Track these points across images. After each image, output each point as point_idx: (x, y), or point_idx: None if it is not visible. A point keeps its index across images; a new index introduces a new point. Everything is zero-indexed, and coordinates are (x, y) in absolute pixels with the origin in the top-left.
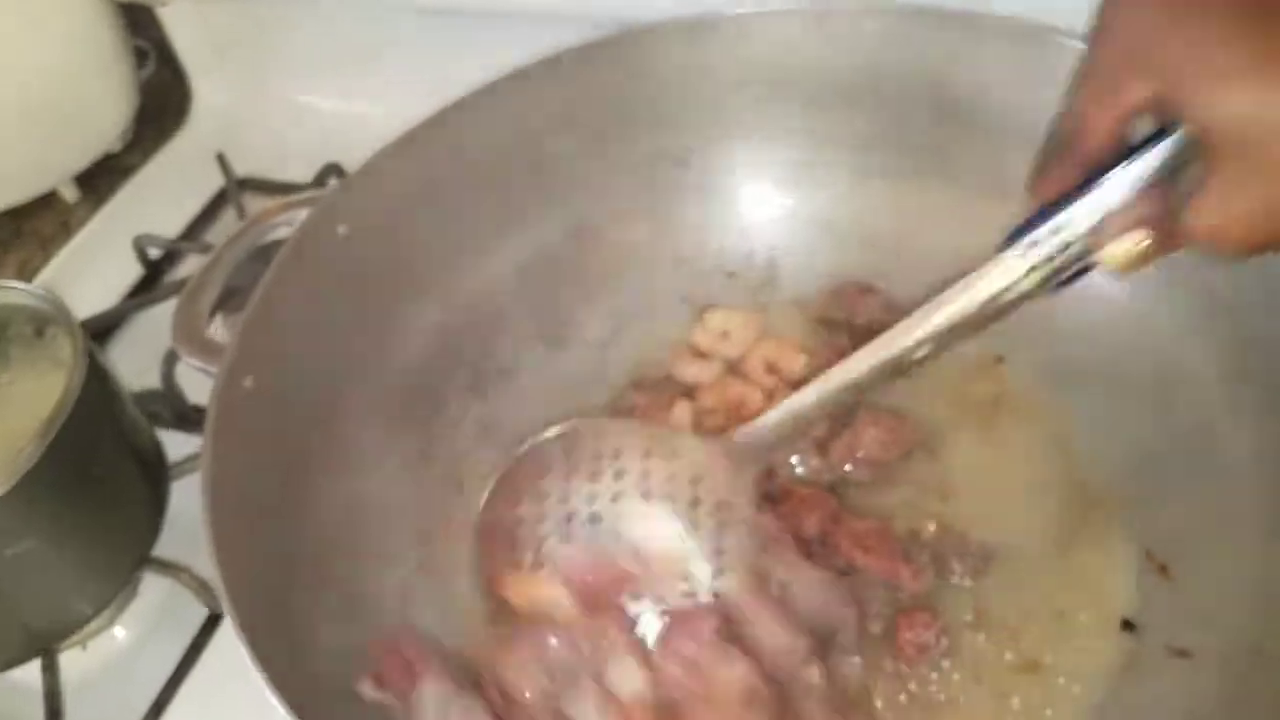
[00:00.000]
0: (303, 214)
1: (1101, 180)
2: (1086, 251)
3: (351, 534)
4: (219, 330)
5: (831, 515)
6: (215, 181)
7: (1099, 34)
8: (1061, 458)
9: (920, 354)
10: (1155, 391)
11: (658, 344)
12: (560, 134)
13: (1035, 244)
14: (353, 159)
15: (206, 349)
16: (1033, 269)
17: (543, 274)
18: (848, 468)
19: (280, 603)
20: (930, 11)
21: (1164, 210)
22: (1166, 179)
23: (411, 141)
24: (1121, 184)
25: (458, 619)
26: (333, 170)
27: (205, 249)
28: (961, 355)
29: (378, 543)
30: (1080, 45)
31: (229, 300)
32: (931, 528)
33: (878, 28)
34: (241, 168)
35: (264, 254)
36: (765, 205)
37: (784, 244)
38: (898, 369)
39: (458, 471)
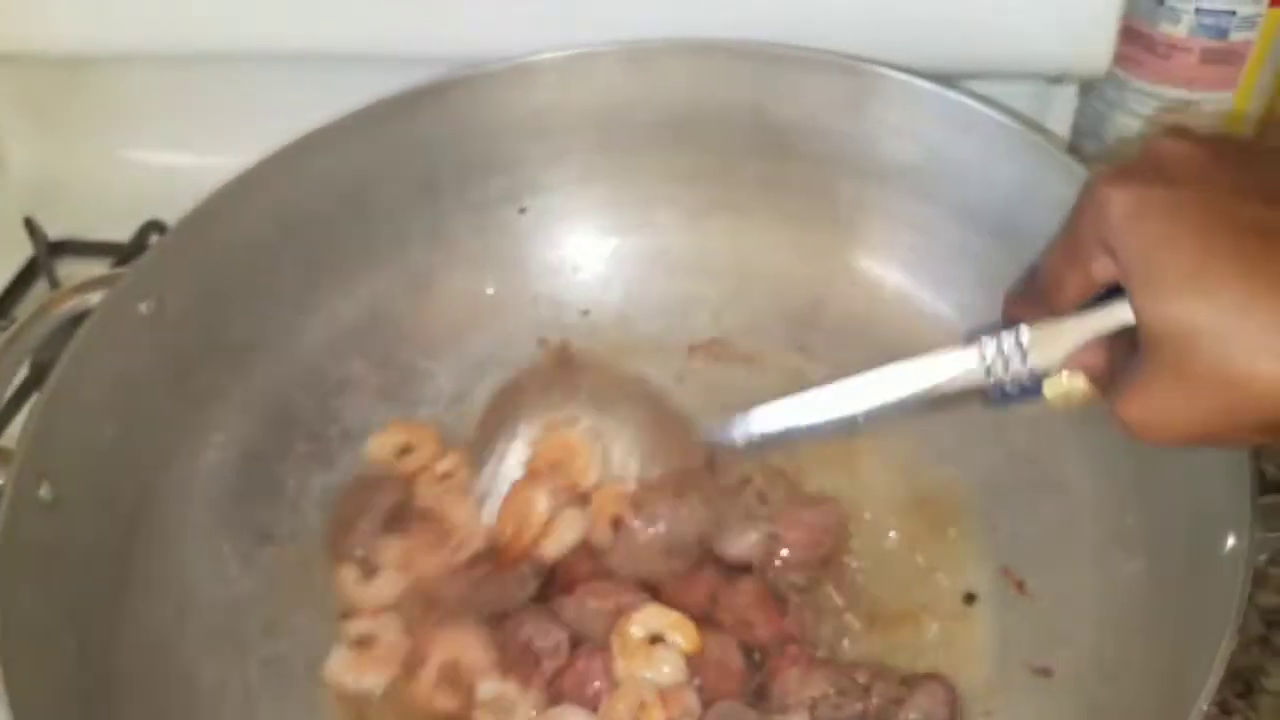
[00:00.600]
0: (100, 294)
1: (1061, 319)
2: (1033, 376)
3: (182, 644)
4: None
5: (709, 596)
6: (25, 249)
7: (1084, 206)
8: (913, 481)
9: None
10: (995, 412)
11: None
12: (387, 184)
13: (993, 349)
14: (175, 215)
15: None
16: (987, 369)
17: (381, 330)
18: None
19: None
20: (746, 48)
21: (1106, 365)
22: (1115, 338)
23: (218, 205)
24: (1076, 329)
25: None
26: (153, 228)
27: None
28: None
29: (215, 646)
30: (895, 75)
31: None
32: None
33: (697, 65)
34: (56, 230)
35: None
36: (606, 244)
37: (630, 280)
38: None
39: (304, 550)
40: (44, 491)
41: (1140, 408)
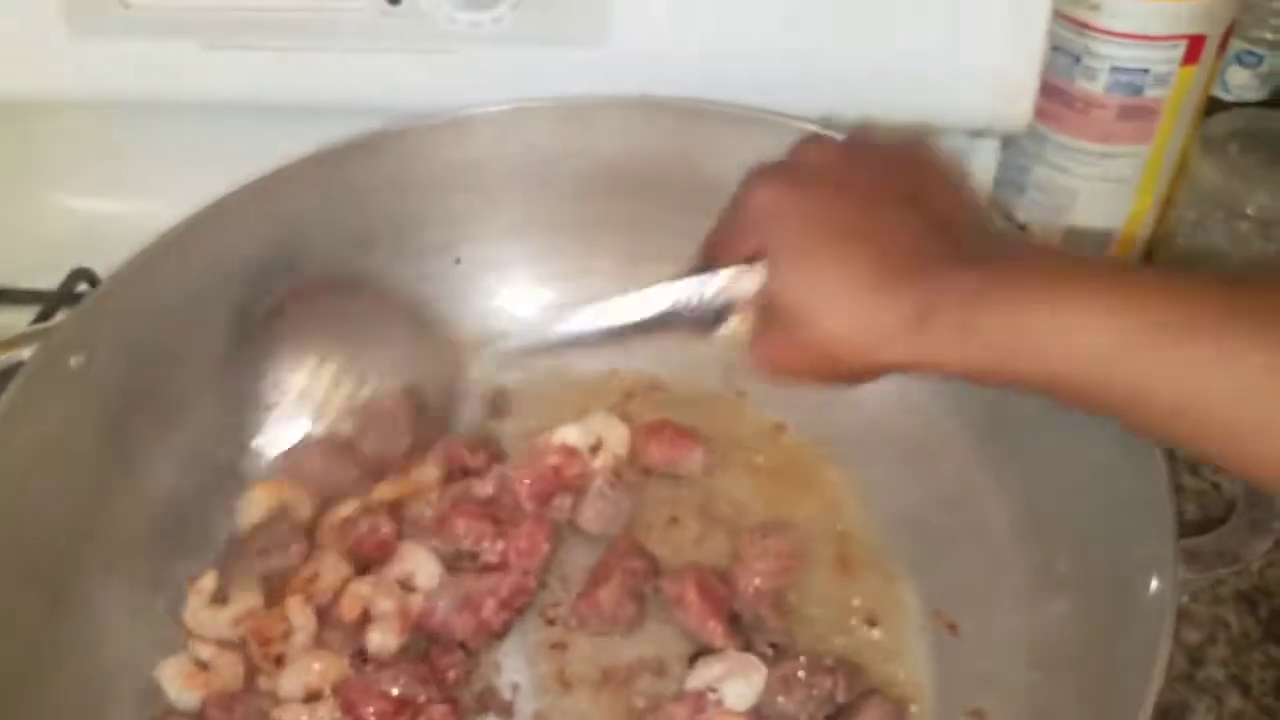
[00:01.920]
0: (29, 350)
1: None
2: (719, 312)
3: (112, 701)
4: None
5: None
6: None
7: (741, 195)
8: (842, 524)
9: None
10: (920, 456)
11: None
12: (322, 235)
13: (697, 284)
14: (104, 262)
15: None
16: (693, 297)
17: None
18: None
19: None
20: (675, 104)
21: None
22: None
23: (151, 257)
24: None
25: None
26: (81, 275)
27: None
28: (746, 421)
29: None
30: (821, 131)
31: None
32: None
33: (628, 121)
34: None
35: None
36: (541, 293)
37: None
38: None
39: None
40: None
41: (761, 351)
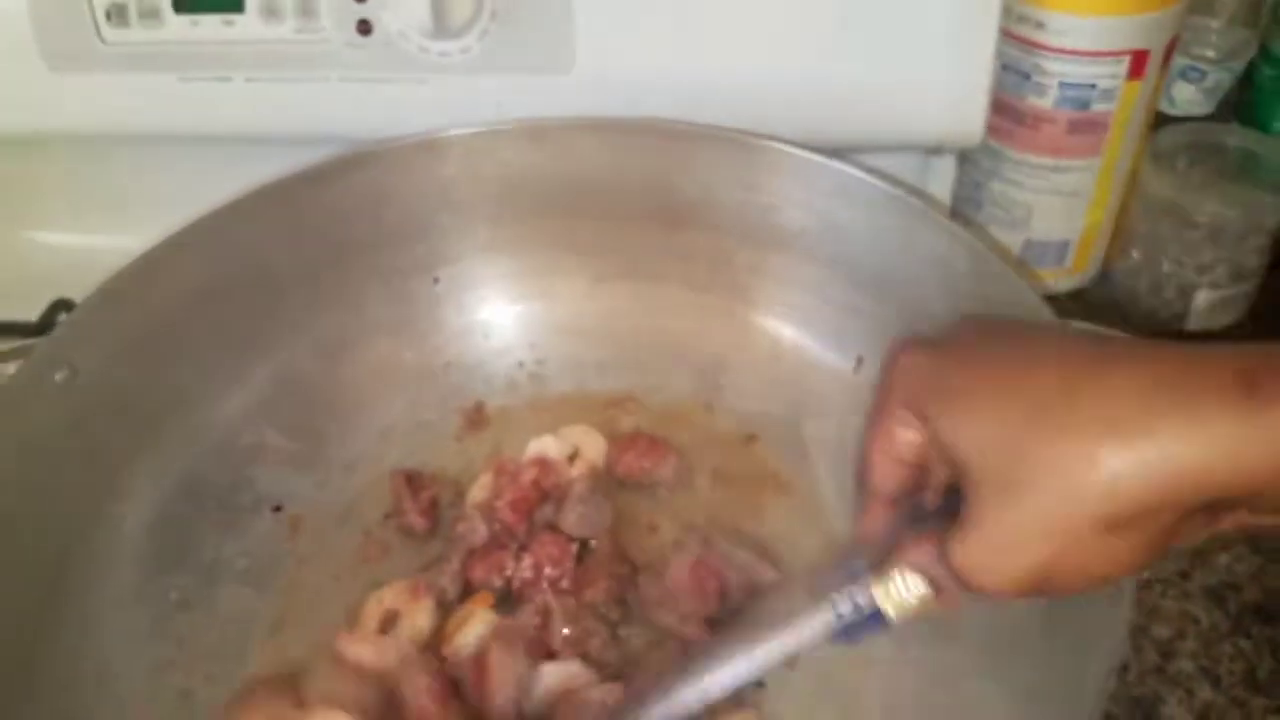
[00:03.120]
0: (13, 365)
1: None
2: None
3: (98, 714)
4: None
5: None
6: None
7: (880, 388)
8: (819, 531)
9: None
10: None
11: (431, 457)
12: (299, 256)
13: (838, 597)
14: (83, 294)
15: None
16: (839, 617)
17: (294, 398)
18: None
19: None
20: (646, 125)
21: (937, 559)
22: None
23: (130, 276)
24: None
25: None
26: (61, 306)
27: None
28: (719, 436)
29: (132, 714)
30: (787, 149)
31: None
32: None
33: (599, 142)
34: None
35: None
36: (515, 310)
37: (540, 345)
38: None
39: (219, 618)
40: None
41: (967, 547)
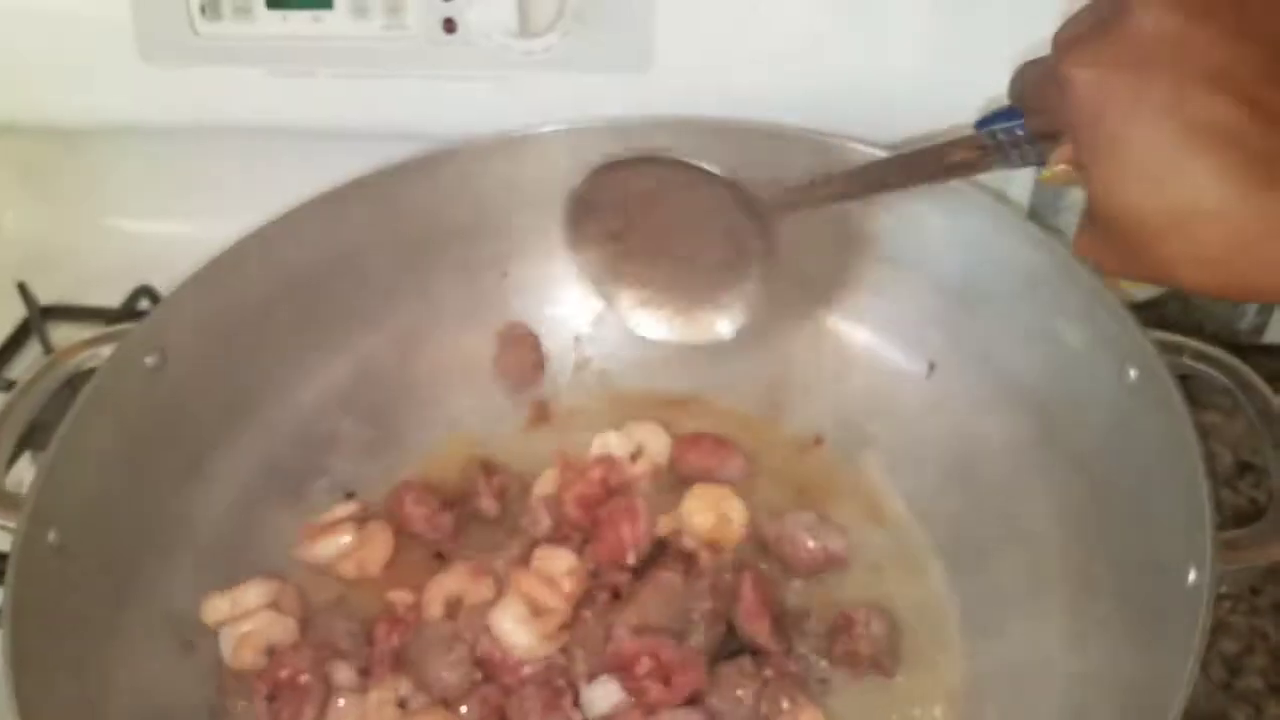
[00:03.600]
0: (109, 348)
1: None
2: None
3: (180, 680)
4: (28, 470)
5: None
6: (17, 312)
7: (1048, 77)
8: (891, 531)
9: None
10: (960, 463)
11: (497, 449)
12: (381, 249)
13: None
14: (165, 281)
15: (4, 501)
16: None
17: (371, 389)
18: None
19: None
20: (723, 125)
21: None
22: None
23: (221, 265)
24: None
25: None
26: (144, 293)
27: (7, 386)
28: (784, 438)
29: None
30: (864, 149)
31: (36, 437)
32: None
33: (677, 142)
34: (48, 296)
35: (74, 386)
36: (584, 309)
37: (607, 342)
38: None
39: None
40: (52, 537)
41: (1086, 249)
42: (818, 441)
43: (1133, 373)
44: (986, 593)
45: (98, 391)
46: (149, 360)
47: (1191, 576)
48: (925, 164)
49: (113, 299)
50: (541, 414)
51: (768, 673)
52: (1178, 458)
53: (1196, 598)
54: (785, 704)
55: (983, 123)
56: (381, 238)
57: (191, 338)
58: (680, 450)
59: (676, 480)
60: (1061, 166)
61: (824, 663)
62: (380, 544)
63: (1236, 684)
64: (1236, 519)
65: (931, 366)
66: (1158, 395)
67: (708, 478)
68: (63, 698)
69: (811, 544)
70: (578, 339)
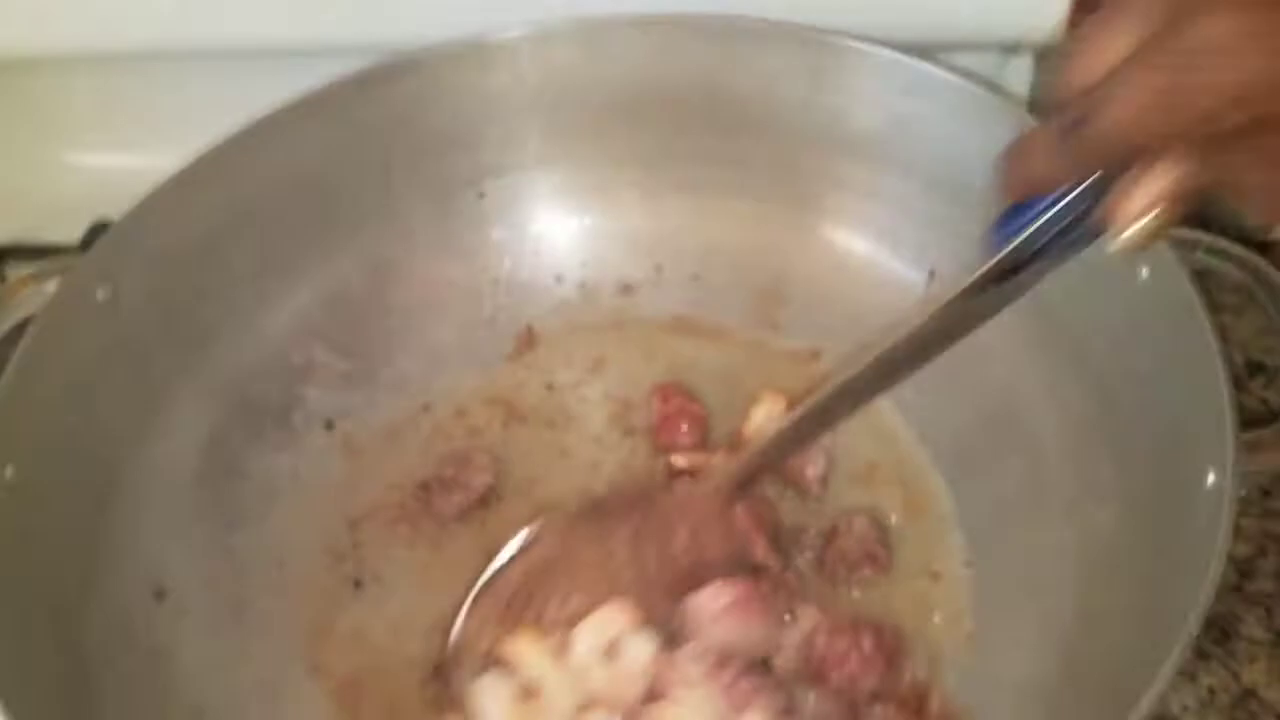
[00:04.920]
0: (55, 282)
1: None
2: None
3: (156, 625)
4: None
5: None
6: None
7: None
8: (888, 444)
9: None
10: (964, 370)
11: (481, 378)
12: (341, 169)
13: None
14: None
15: None
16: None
17: (342, 316)
18: None
19: (75, 700)
20: (702, 21)
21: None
22: None
23: (171, 192)
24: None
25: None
26: (103, 228)
27: None
28: (779, 351)
29: (191, 626)
30: (854, 44)
31: None
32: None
33: (653, 41)
34: (3, 236)
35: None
36: (567, 225)
37: (593, 263)
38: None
39: (269, 538)
40: (9, 474)
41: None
42: (815, 356)
43: (1144, 271)
44: (987, 501)
45: (46, 327)
46: (100, 294)
47: (1210, 479)
48: (951, 326)
49: (70, 235)
50: (526, 341)
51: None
52: (1195, 356)
53: (1217, 500)
54: (785, 617)
55: (1004, 227)
56: (338, 158)
57: (144, 269)
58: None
59: None
60: (1143, 222)
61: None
62: None
63: (1247, 587)
64: (1249, 421)
65: (932, 274)
66: (1172, 293)
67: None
68: (34, 643)
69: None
70: (559, 260)
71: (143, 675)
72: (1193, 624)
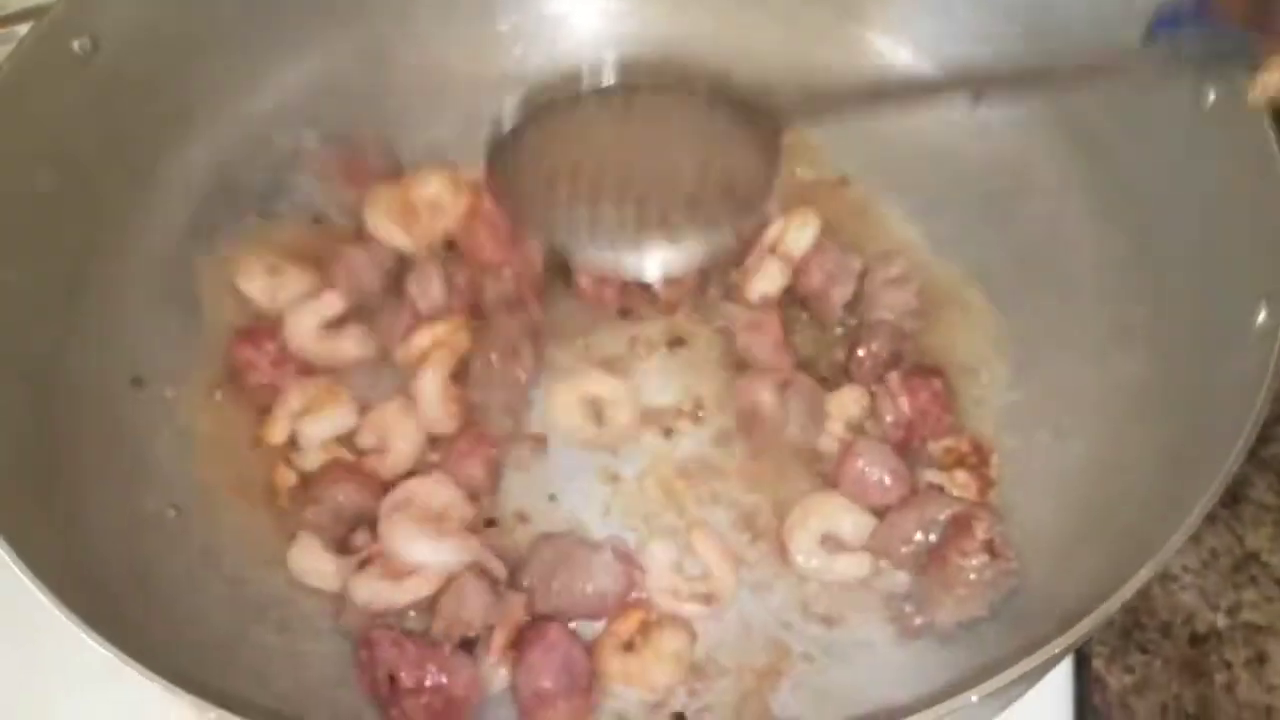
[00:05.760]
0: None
1: None
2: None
3: (135, 412)
4: None
5: None
6: None
7: None
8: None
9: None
10: (1000, 203)
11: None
12: None
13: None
14: None
15: None
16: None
17: (334, 103)
18: None
19: (46, 480)
20: None
21: None
22: None
23: None
24: None
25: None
26: None
27: None
28: (803, 181)
29: (166, 414)
30: None
31: None
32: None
33: None
34: None
35: None
36: (588, 13)
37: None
38: None
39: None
40: None
41: None
42: (843, 182)
43: (1211, 95)
44: (1020, 331)
45: (18, 74)
46: (76, 45)
47: (1261, 316)
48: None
49: None
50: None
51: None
52: (1258, 182)
53: (1264, 342)
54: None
55: (1162, 24)
56: None
57: (127, 22)
58: None
59: None
60: None
61: None
62: None
63: (1262, 451)
64: None
65: (977, 96)
66: (1238, 116)
67: None
68: (12, 418)
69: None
70: (577, 50)
71: (117, 462)
72: (1234, 461)
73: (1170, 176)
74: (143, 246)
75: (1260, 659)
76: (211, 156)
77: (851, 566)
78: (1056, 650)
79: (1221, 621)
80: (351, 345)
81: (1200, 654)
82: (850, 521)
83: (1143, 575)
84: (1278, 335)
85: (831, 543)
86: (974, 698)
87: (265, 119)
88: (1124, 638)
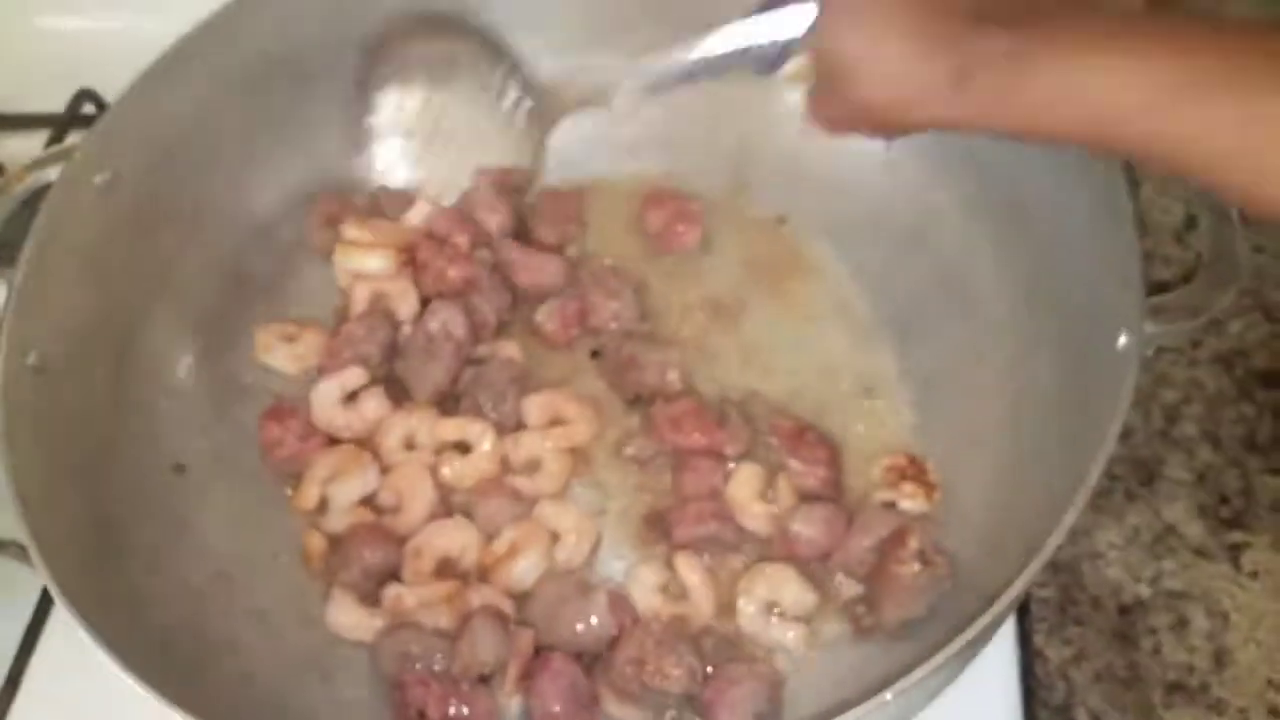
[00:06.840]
0: (57, 169)
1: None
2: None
3: (175, 491)
4: None
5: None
6: None
7: None
8: (843, 310)
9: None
10: (913, 236)
11: None
12: (322, 44)
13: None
14: (104, 81)
15: None
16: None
17: (330, 189)
18: None
19: (107, 562)
20: None
21: None
22: None
23: (162, 71)
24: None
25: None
26: (86, 97)
27: None
28: (748, 220)
29: (207, 488)
30: None
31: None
32: (735, 396)
33: None
34: None
35: (30, 206)
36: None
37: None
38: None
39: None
40: (32, 359)
41: (815, 108)
42: (781, 221)
43: None
44: (933, 360)
45: (53, 213)
46: (99, 179)
47: (1121, 340)
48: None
49: (52, 104)
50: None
51: None
52: (1111, 226)
53: (1126, 361)
54: None
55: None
56: (322, 32)
57: (141, 150)
58: (643, 207)
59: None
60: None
61: None
62: None
63: (1173, 431)
64: (1184, 275)
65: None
66: (1094, 163)
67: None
68: (67, 511)
69: None
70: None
71: (168, 540)
72: (1091, 480)
73: (1050, 211)
74: (170, 347)
75: (1181, 623)
76: (223, 253)
77: (787, 636)
78: (964, 642)
79: (1145, 591)
80: (372, 408)
81: (1127, 623)
82: (791, 594)
83: (1018, 586)
84: (1132, 358)
85: (774, 610)
86: (888, 695)
87: (267, 213)
88: (1060, 613)
